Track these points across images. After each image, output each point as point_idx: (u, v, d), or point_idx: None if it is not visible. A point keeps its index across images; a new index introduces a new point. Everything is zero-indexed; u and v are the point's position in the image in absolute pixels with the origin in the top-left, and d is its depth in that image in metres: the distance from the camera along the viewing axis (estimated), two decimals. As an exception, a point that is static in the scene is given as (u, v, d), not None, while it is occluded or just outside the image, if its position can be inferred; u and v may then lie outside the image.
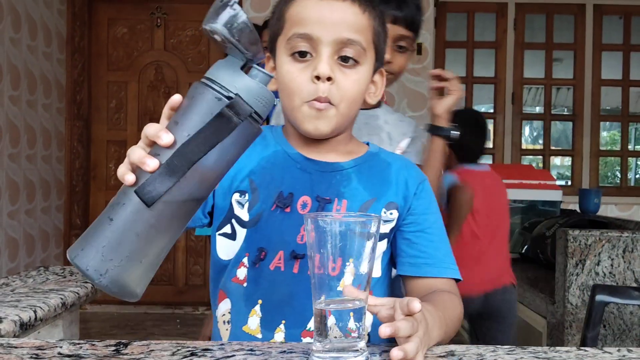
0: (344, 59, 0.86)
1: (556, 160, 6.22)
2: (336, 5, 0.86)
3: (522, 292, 2.57)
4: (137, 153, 0.64)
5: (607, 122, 5.53)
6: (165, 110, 0.68)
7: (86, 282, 1.20)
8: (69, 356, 0.70)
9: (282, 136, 0.95)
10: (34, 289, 1.13)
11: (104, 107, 4.15)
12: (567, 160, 4.92)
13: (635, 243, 2.13)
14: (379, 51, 0.93)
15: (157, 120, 0.68)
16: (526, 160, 5.08)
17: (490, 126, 4.30)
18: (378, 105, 1.38)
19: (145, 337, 3.50)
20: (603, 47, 4.21)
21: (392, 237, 0.94)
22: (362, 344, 0.68)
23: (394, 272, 0.99)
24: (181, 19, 4.14)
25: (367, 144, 1.00)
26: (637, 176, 6.48)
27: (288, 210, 0.88)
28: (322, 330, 0.68)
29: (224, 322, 0.91)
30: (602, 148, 4.50)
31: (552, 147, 4.50)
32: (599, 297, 1.64)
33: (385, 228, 0.92)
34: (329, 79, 0.84)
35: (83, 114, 4.09)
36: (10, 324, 0.92)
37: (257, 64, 0.68)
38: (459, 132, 1.39)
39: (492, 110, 4.45)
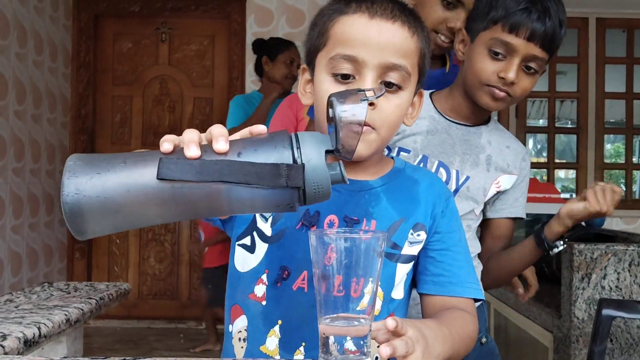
0: (388, 84, 0.83)
1: (560, 174, 6.21)
2: (385, 27, 0.83)
3: (528, 307, 2.55)
4: (190, 135, 0.64)
5: (612, 135, 5.53)
6: (245, 130, 0.68)
7: (90, 298, 1.20)
8: (73, 374, 0.70)
9: None
10: (38, 305, 1.12)
11: (109, 122, 4.17)
12: (572, 173, 4.91)
13: (642, 257, 2.12)
14: (422, 74, 0.90)
15: (161, 136, 0.68)
16: (530, 173, 5.07)
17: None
18: (487, 120, 1.26)
19: (148, 351, 3.49)
20: (606, 60, 4.22)
21: (417, 258, 0.92)
22: (368, 361, 0.68)
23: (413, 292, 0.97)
24: (186, 33, 4.17)
25: (393, 158, 0.98)
26: (642, 189, 6.46)
27: (314, 229, 0.86)
28: (326, 347, 0.68)
29: (239, 339, 0.89)
30: (606, 161, 4.49)
31: (557, 160, 4.49)
32: (606, 312, 1.64)
33: (413, 250, 0.90)
34: (371, 104, 0.81)
35: (87, 128, 4.10)
36: (14, 340, 0.91)
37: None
38: (563, 248, 1.26)
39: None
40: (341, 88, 0.82)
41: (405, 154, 1.19)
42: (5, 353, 0.89)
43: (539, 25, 1.10)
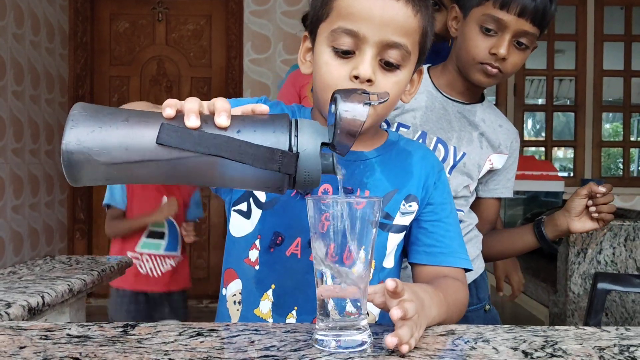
0: (387, 63, 0.83)
1: (559, 153, 6.22)
2: (389, 4, 0.82)
3: (525, 282, 2.58)
4: (191, 105, 0.65)
5: (610, 115, 5.52)
6: (248, 107, 0.69)
7: (92, 270, 1.21)
8: (77, 337, 0.71)
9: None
10: (41, 276, 1.14)
11: (106, 102, 4.16)
12: (570, 153, 4.92)
13: (637, 231, 2.14)
14: (423, 52, 0.90)
15: None
16: (528, 152, 5.08)
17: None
18: (481, 99, 1.28)
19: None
20: (605, 37, 4.21)
21: (410, 228, 0.94)
22: (364, 322, 0.70)
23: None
24: (182, 13, 4.15)
25: (387, 130, 0.99)
26: (640, 167, 6.48)
27: (308, 197, 0.88)
28: (324, 310, 0.70)
29: (234, 302, 0.92)
30: (604, 139, 4.50)
31: (554, 139, 4.50)
32: (601, 285, 1.66)
33: (405, 221, 0.92)
34: (369, 80, 0.82)
35: (86, 109, 4.10)
36: (18, 308, 0.93)
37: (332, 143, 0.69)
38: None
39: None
40: (341, 62, 0.83)
41: (405, 130, 1.20)
42: (11, 320, 0.91)
43: (530, 1, 1.11)
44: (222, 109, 0.65)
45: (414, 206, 0.92)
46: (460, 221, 1.23)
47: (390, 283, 0.66)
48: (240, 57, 4.03)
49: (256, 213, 0.90)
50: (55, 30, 3.88)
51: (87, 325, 0.77)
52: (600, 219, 1.20)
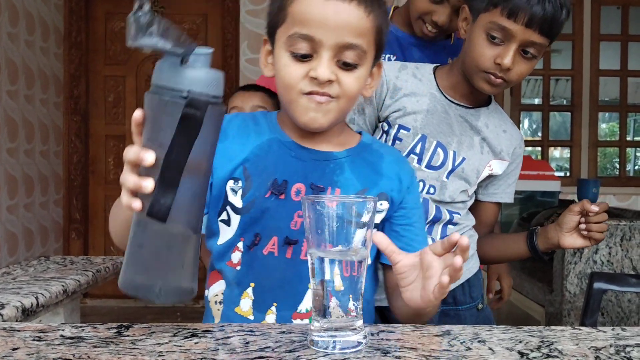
0: (345, 63, 0.86)
1: (555, 153, 6.22)
2: (341, 7, 0.84)
3: (521, 282, 2.58)
4: (130, 180, 0.67)
5: (606, 115, 5.53)
6: (133, 128, 0.70)
7: (86, 270, 1.21)
8: (71, 338, 0.71)
9: (277, 124, 0.96)
10: (35, 277, 1.14)
11: (102, 102, 4.15)
12: (566, 153, 4.93)
13: (633, 231, 2.14)
14: (380, 48, 0.93)
15: None
16: (525, 152, 5.08)
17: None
18: (487, 102, 1.26)
19: (145, 330, 3.51)
20: (601, 37, 4.21)
21: (381, 228, 0.97)
22: (359, 322, 0.69)
23: None
24: (178, 12, 4.14)
25: (360, 133, 1.01)
26: (636, 167, 6.49)
27: (282, 197, 0.90)
28: (320, 310, 0.69)
29: (215, 302, 0.95)
30: (600, 139, 4.51)
31: (551, 139, 4.51)
32: (597, 285, 1.65)
33: (377, 218, 0.95)
34: (329, 80, 0.85)
35: (81, 108, 4.09)
36: (12, 309, 0.93)
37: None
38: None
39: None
40: (300, 66, 0.86)
41: (405, 132, 1.19)
42: (4, 321, 0.90)
43: (538, 10, 1.08)
44: (136, 155, 0.66)
45: (385, 204, 0.95)
46: (456, 224, 1.23)
47: (462, 239, 0.72)
48: (237, 57, 4.02)
49: (235, 219, 0.92)
50: (50, 29, 3.87)
51: (80, 327, 0.76)
52: (591, 237, 1.18)
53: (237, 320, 0.91)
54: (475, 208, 1.32)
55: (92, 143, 4.16)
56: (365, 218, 0.69)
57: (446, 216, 1.21)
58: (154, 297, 0.68)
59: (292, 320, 0.89)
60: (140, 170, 0.67)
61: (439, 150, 1.20)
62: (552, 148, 5.02)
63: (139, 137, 0.69)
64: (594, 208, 1.15)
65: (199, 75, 0.66)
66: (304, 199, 0.70)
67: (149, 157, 0.65)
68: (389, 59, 1.47)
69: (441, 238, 1.20)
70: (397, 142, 1.19)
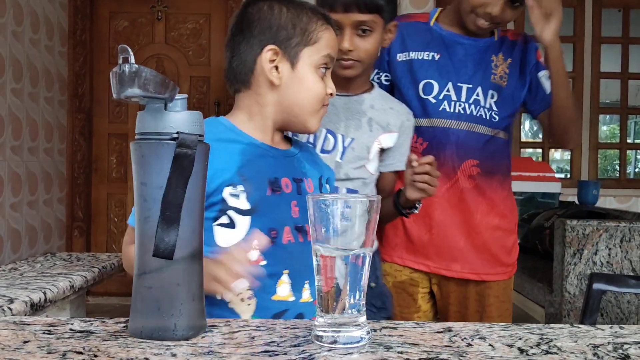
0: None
1: (556, 155, 6.23)
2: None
3: (521, 282, 2.60)
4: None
5: (607, 117, 5.54)
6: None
7: (92, 267, 1.22)
8: (80, 332, 0.72)
9: (238, 129, 1.05)
10: (43, 272, 1.15)
11: (106, 100, 4.17)
12: (567, 155, 4.94)
13: (633, 233, 2.16)
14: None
15: None
16: (525, 153, 5.09)
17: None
18: (369, 88, 1.40)
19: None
20: (602, 40, 4.23)
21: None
22: (362, 319, 0.71)
23: None
24: (182, 12, 4.16)
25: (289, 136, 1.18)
26: (637, 169, 6.50)
27: (279, 192, 1.02)
28: (324, 306, 0.71)
29: (242, 300, 0.99)
30: (601, 141, 4.51)
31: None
32: (596, 286, 1.67)
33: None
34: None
35: (85, 107, 4.11)
36: (21, 304, 0.94)
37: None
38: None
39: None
40: (323, 83, 1.07)
41: None
42: (13, 315, 0.92)
43: None
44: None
45: (328, 187, 1.16)
46: None
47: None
48: (239, 57, 4.04)
49: (243, 220, 0.99)
50: (55, 28, 3.89)
51: (89, 321, 0.78)
52: (422, 189, 1.28)
53: (275, 307, 1.00)
54: (377, 179, 1.44)
55: (96, 141, 4.18)
56: (367, 215, 0.70)
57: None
58: (171, 335, 0.70)
59: None
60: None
61: (329, 136, 1.34)
62: (552, 150, 5.03)
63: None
64: (412, 156, 1.28)
65: (184, 117, 0.72)
66: (309, 197, 0.72)
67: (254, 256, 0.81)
68: (433, 58, 1.53)
69: None
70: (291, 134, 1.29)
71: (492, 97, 1.53)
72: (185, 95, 0.74)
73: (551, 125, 1.57)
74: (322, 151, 1.33)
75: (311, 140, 1.32)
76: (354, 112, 1.36)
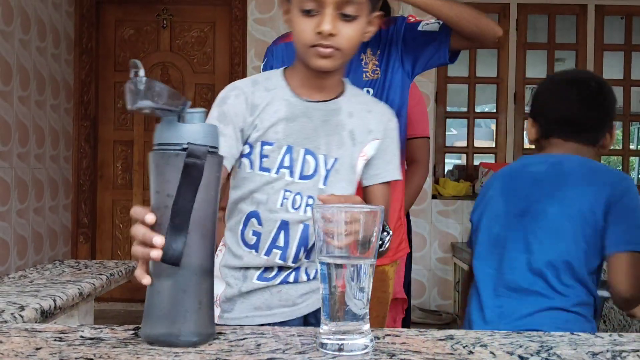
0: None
1: (559, 160, 6.22)
2: None
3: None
4: (140, 231, 0.74)
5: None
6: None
7: (100, 274, 1.24)
8: (90, 339, 0.74)
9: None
10: (52, 280, 1.17)
11: (111, 108, 4.20)
12: (570, 160, 4.93)
13: (635, 240, 2.16)
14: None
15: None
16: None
17: (492, 126, 4.32)
18: (341, 92, 1.19)
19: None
20: (605, 47, 4.24)
21: None
22: (366, 326, 0.73)
23: None
24: (187, 20, 4.19)
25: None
26: (639, 176, 6.49)
27: (315, 207, 1.08)
28: (329, 314, 0.73)
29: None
30: (604, 147, 4.51)
31: (555, 147, 4.51)
32: (599, 293, 1.67)
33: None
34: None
35: (90, 114, 4.14)
36: (32, 311, 0.96)
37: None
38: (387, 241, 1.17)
39: (494, 110, 4.48)
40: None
41: (270, 147, 1.13)
42: (24, 322, 0.94)
43: None
44: (141, 216, 0.76)
45: None
46: None
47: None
48: (244, 64, 4.07)
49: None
50: (61, 36, 3.93)
51: (99, 328, 0.79)
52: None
53: None
54: (364, 197, 1.23)
55: (101, 148, 4.22)
56: (371, 226, 0.72)
57: None
58: (177, 341, 0.72)
59: None
60: (155, 217, 0.74)
61: (308, 157, 1.14)
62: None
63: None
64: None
65: (196, 129, 0.75)
66: (314, 207, 0.74)
67: (150, 218, 0.74)
68: None
69: None
70: (264, 159, 1.12)
71: (368, 92, 1.53)
72: (203, 110, 0.77)
73: (468, 39, 1.49)
74: (302, 177, 1.13)
75: (287, 164, 1.13)
76: (333, 126, 1.16)
